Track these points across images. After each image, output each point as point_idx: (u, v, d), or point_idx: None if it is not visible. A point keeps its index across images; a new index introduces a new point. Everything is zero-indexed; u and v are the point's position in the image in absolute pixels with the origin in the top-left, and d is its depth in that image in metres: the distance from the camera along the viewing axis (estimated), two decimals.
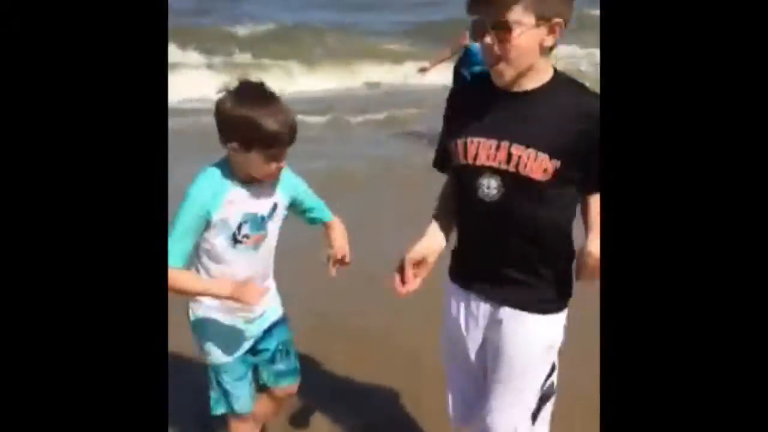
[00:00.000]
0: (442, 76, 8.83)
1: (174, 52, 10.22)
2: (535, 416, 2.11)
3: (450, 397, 2.33)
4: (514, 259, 2.00)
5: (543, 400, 2.11)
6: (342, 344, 3.66)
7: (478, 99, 1.98)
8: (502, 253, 2.02)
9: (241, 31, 13.63)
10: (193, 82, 10.17)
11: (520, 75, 1.88)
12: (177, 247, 2.12)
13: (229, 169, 2.19)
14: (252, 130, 2.08)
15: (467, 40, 6.82)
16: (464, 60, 6.91)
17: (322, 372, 3.41)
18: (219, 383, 2.42)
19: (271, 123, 2.09)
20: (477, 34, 3.70)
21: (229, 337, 2.38)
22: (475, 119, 1.97)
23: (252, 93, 2.13)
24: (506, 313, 2.05)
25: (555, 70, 1.92)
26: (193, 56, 11.29)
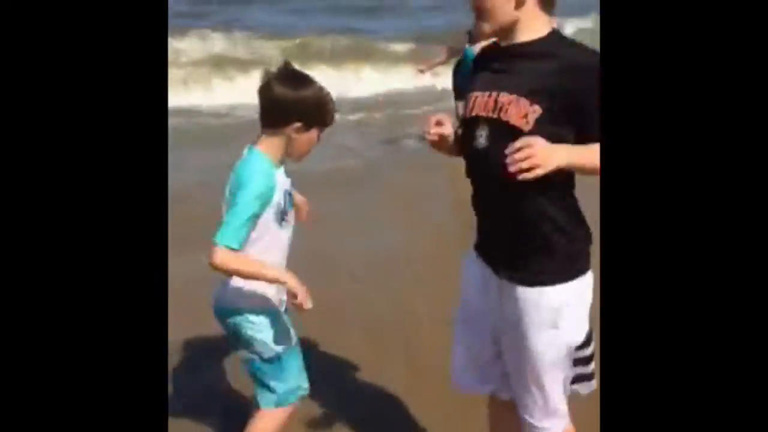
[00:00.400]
0: (441, 80, 8.89)
1: (175, 50, 10.16)
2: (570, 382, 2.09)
3: (457, 364, 2.31)
4: (506, 216, 2.00)
5: (577, 377, 2.07)
6: (339, 340, 3.67)
7: (481, 60, 2.11)
8: (495, 206, 2.03)
9: (242, 33, 13.60)
10: (195, 79, 10.21)
11: (502, 30, 1.96)
12: (242, 232, 2.18)
13: (268, 153, 2.29)
14: (319, 109, 2.26)
15: (465, 44, 6.86)
16: (462, 63, 6.94)
17: (319, 365, 3.42)
18: (289, 373, 2.39)
19: (331, 101, 2.29)
20: None
21: (286, 323, 2.43)
22: (476, 77, 2.08)
23: (301, 76, 2.29)
24: (509, 285, 2.05)
25: (554, 30, 1.95)
26: (194, 53, 11.21)
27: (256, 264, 2.23)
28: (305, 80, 2.27)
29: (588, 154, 1.82)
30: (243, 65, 10.82)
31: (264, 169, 2.24)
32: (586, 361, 2.07)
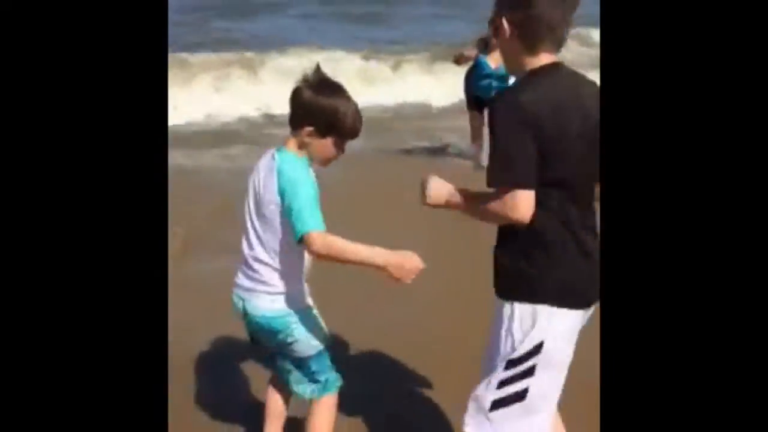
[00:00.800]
0: (449, 95, 9.03)
1: (176, 59, 10.09)
2: (495, 405, 2.13)
3: None
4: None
5: (501, 401, 2.12)
6: (348, 341, 3.69)
7: None
8: None
9: (246, 41, 13.66)
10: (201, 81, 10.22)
11: (508, 62, 2.17)
12: (318, 214, 2.21)
13: (296, 153, 2.33)
14: (334, 119, 2.27)
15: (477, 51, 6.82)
16: (475, 71, 6.91)
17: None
18: (328, 364, 2.47)
19: (352, 115, 2.30)
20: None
21: (318, 319, 2.47)
22: None
23: (329, 83, 2.32)
24: None
25: (530, 71, 2.06)
26: (197, 63, 11.15)
27: (359, 246, 2.21)
28: (330, 88, 2.31)
29: (465, 202, 2.13)
30: (246, 74, 10.78)
31: (305, 167, 2.31)
32: (505, 382, 2.11)
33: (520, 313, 2.06)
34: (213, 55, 11.51)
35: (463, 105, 7.36)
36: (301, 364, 2.44)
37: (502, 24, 2.05)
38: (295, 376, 2.47)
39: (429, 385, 3.31)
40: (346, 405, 3.04)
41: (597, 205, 1.97)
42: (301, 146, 2.31)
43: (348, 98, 2.31)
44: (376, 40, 13.71)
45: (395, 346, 3.65)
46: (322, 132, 2.28)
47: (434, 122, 9.33)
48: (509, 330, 2.08)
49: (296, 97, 2.30)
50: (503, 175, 1.97)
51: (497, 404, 2.11)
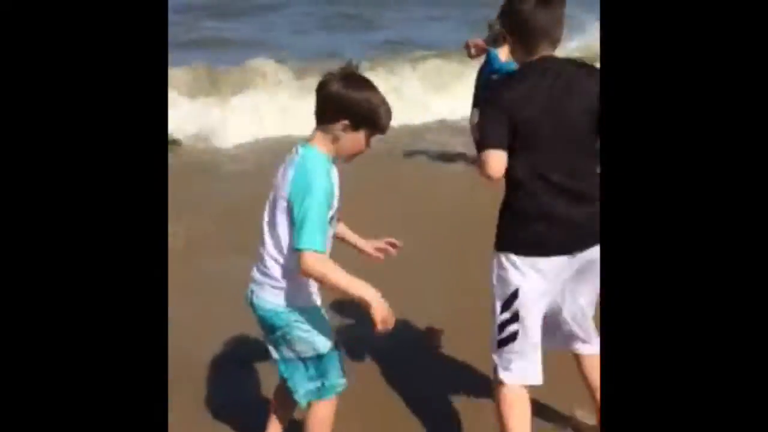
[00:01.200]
0: (446, 97, 9.00)
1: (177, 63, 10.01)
2: (499, 344, 2.49)
3: None
4: None
5: (501, 341, 2.47)
6: (358, 335, 3.67)
7: None
8: None
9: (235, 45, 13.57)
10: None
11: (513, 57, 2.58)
12: (322, 233, 2.20)
13: (322, 149, 2.31)
14: (368, 112, 2.27)
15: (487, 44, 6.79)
16: (486, 65, 6.88)
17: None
18: (330, 370, 2.44)
19: (384, 109, 2.31)
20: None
21: (326, 320, 2.46)
22: None
23: (358, 77, 2.32)
24: None
25: (534, 60, 2.37)
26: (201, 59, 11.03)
27: (344, 274, 2.21)
28: (361, 82, 2.30)
29: None
30: (236, 81, 10.67)
31: (325, 168, 2.29)
32: (502, 326, 2.46)
33: (497, 261, 2.45)
34: (203, 62, 11.35)
35: (461, 108, 7.32)
36: (301, 362, 2.41)
37: (505, 35, 2.46)
38: (294, 381, 2.44)
39: (435, 379, 3.37)
40: (352, 400, 3.08)
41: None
42: (333, 141, 2.29)
43: (378, 92, 2.31)
44: (370, 42, 13.66)
45: (401, 338, 3.65)
46: (355, 125, 2.27)
47: (432, 125, 9.33)
48: (496, 276, 2.46)
49: (324, 90, 2.28)
50: (478, 143, 2.37)
51: (501, 343, 2.46)
